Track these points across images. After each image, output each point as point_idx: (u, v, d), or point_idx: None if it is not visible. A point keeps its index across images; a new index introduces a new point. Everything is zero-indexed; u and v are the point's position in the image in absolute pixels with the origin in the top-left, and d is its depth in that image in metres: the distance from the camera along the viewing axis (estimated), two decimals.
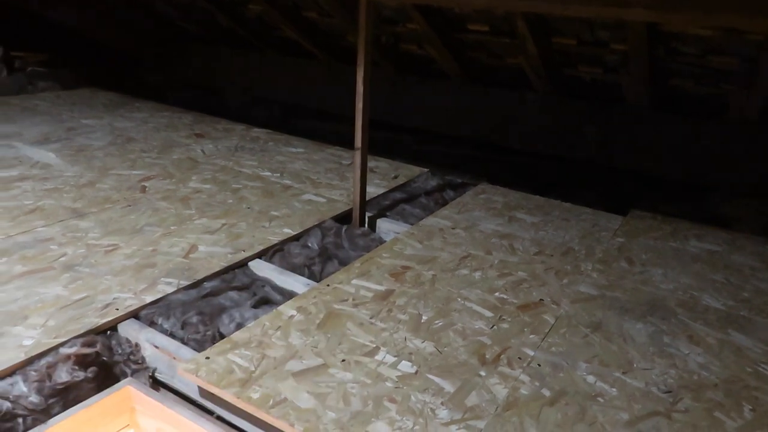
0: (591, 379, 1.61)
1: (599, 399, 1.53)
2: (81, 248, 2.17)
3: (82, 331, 1.67)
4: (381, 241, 2.49)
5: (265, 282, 2.11)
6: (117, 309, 1.80)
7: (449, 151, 4.04)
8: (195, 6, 4.65)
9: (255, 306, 1.91)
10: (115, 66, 5.32)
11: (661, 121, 3.41)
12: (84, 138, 3.52)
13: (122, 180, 2.90)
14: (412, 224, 2.62)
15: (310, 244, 2.39)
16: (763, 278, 2.24)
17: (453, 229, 2.55)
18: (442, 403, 1.48)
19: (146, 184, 2.86)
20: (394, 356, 1.65)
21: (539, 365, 1.65)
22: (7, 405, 1.43)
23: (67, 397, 1.51)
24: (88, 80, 4.88)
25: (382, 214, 2.75)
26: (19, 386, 1.47)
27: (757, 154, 3.16)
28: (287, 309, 1.85)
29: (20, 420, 1.43)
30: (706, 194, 3.30)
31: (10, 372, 1.51)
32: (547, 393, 1.54)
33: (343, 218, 2.67)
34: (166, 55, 5.64)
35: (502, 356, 1.69)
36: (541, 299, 2.01)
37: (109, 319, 1.75)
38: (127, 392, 1.57)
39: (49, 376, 1.51)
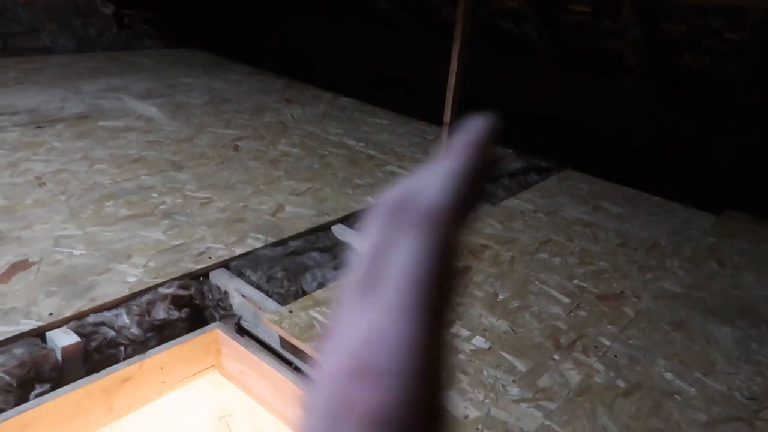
0: (669, 376, 1.58)
1: (676, 397, 1.50)
2: (179, 198, 2.32)
3: (178, 275, 1.80)
4: None
5: (347, 246, 2.17)
6: (210, 257, 1.92)
7: (536, 133, 3.96)
8: None
9: (336, 268, 1.98)
10: (214, 28, 5.53)
11: None
12: (183, 96, 3.70)
13: (217, 138, 3.04)
14: (493, 204, 2.61)
15: None
16: None
17: (535, 212, 2.52)
18: (513, 381, 1.50)
19: (239, 143, 2.99)
20: (468, 330, 1.68)
21: (615, 356, 1.63)
22: (111, 333, 1.56)
23: (162, 332, 1.63)
24: (189, 40, 5.10)
25: None
26: (123, 318, 1.61)
27: None
28: None
29: (122, 348, 1.57)
30: None
31: (116, 304, 1.65)
32: (622, 384, 1.53)
33: None
34: (263, 20, 5.80)
35: (577, 343, 1.67)
36: (621, 291, 1.97)
37: (203, 266, 1.87)
38: (215, 335, 1.68)
39: (149, 312, 1.64)
